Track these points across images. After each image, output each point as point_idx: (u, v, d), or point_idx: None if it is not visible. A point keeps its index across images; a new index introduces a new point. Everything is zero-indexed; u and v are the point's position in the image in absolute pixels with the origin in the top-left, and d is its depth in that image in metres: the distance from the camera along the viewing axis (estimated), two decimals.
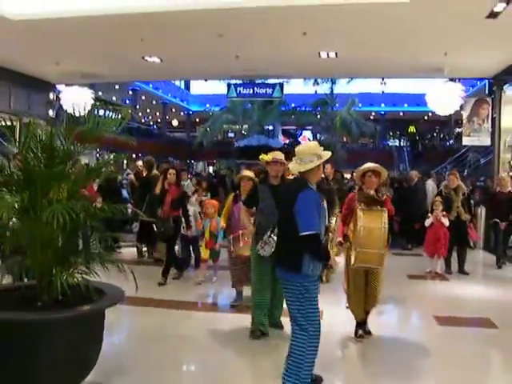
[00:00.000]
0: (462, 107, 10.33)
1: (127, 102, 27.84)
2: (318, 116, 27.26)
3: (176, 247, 7.34)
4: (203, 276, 6.79)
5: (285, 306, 3.73)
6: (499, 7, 6.24)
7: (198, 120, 33.68)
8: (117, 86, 22.62)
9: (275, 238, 3.48)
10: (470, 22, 6.85)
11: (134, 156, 19.84)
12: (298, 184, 3.46)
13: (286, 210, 3.41)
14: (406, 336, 4.89)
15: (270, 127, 29.43)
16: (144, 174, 8.81)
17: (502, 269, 8.20)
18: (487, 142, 10.77)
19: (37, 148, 3.20)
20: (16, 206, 3.06)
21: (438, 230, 7.53)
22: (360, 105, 27.27)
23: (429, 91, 9.90)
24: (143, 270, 6.46)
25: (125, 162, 14.39)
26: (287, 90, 13.99)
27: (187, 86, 32.87)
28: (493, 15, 6.50)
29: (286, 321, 4.10)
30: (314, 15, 6.86)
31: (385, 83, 28.63)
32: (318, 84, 25.73)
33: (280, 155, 4.64)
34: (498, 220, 8.36)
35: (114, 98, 25.98)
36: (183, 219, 6.81)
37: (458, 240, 7.72)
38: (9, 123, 3.60)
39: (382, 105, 31.63)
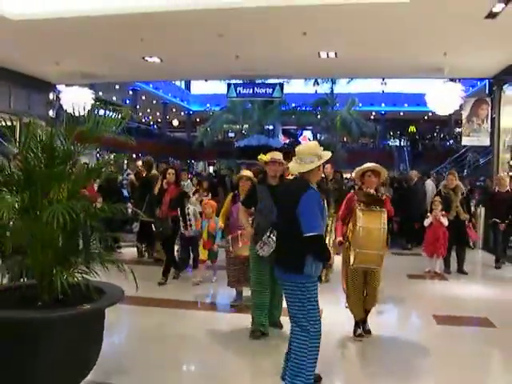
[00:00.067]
0: (461, 107, 10.35)
1: (127, 102, 27.84)
2: (319, 116, 27.26)
3: (176, 247, 7.36)
4: (201, 276, 6.79)
5: (284, 305, 3.75)
6: (498, 7, 6.26)
7: (198, 120, 33.69)
8: (117, 86, 22.62)
9: (274, 238, 3.48)
10: (469, 22, 6.86)
11: (134, 156, 19.86)
12: (299, 185, 3.44)
13: (287, 210, 3.39)
14: (405, 335, 4.90)
15: (271, 127, 29.42)
16: (144, 174, 8.83)
17: (502, 269, 8.22)
18: (486, 142, 10.78)
19: (37, 148, 3.21)
20: (16, 205, 3.07)
21: (437, 230, 7.55)
22: (360, 105, 27.28)
23: (429, 91, 9.91)
24: (143, 270, 6.47)
25: (125, 162, 14.40)
26: (287, 89, 14.01)
27: (187, 86, 32.88)
28: (492, 15, 6.52)
29: (285, 320, 4.11)
30: (313, 15, 6.87)
31: (385, 83, 28.63)
32: (318, 84, 25.74)
33: (278, 155, 4.64)
34: (497, 220, 8.38)
35: (114, 98, 25.98)
36: (181, 219, 6.82)
37: (456, 240, 7.74)
38: (9, 123, 3.61)
39: (383, 104, 31.64)
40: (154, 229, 7.05)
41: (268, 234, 3.51)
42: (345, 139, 31.92)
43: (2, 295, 3.17)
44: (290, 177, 4.49)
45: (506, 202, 8.27)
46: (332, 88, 25.83)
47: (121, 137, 3.63)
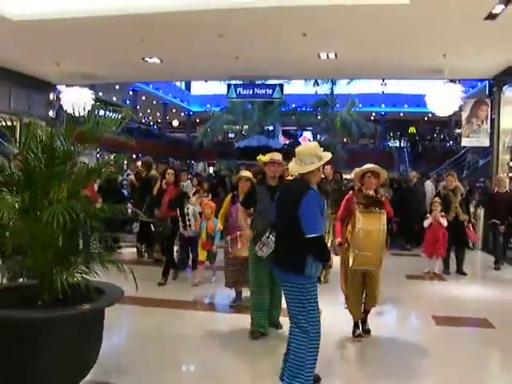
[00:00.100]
0: (461, 108, 10.36)
1: (127, 102, 27.85)
2: (319, 117, 27.29)
3: (175, 247, 7.36)
4: (200, 277, 6.78)
5: (283, 306, 3.75)
6: (498, 9, 6.28)
7: (198, 120, 33.71)
8: (117, 87, 22.64)
9: (273, 238, 3.49)
10: (469, 23, 6.88)
11: (134, 156, 19.85)
12: (300, 186, 3.43)
13: (287, 211, 3.37)
14: (404, 336, 4.91)
15: (271, 128, 29.43)
16: (144, 175, 8.84)
17: (501, 270, 8.22)
18: (486, 143, 10.79)
19: (37, 148, 3.22)
20: (16, 206, 3.08)
21: (436, 231, 7.56)
22: (360, 105, 27.31)
23: (428, 92, 9.93)
24: (143, 270, 6.47)
25: (125, 162, 14.41)
26: (288, 90, 14.02)
27: (188, 87, 32.90)
28: (491, 17, 6.54)
29: (284, 320, 4.12)
30: (313, 16, 6.88)
31: (385, 84, 28.65)
32: (318, 85, 25.76)
33: (278, 156, 4.65)
34: (496, 221, 8.38)
35: (114, 99, 26.00)
36: (180, 219, 6.82)
37: (456, 240, 7.75)
38: (9, 123, 3.62)
39: (383, 105, 31.66)
40: (153, 229, 7.05)
41: (267, 234, 3.51)
42: (345, 140, 31.94)
43: (2, 295, 3.18)
44: (290, 177, 4.48)
45: (505, 202, 8.28)
46: (332, 89, 25.87)
47: (121, 137, 3.64)
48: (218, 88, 20.09)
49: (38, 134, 3.26)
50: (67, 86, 11.23)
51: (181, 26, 7.43)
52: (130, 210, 8.03)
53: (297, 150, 3.52)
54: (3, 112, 8.68)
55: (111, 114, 3.70)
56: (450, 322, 5.28)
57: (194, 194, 8.67)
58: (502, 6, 6.20)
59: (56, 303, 2.98)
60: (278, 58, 9.34)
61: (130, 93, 26.32)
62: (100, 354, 3.27)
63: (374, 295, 4.67)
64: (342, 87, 25.39)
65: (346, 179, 9.20)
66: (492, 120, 10.51)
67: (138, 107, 27.75)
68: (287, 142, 31.37)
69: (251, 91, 11.39)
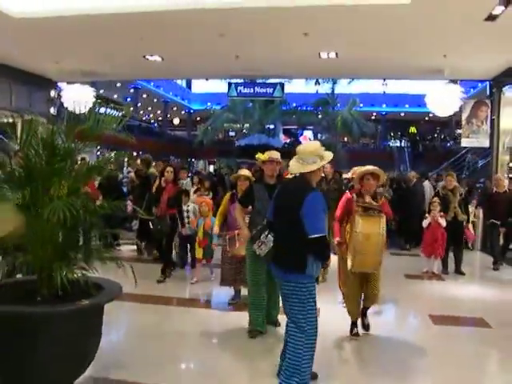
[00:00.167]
0: (461, 109, 10.38)
1: (128, 100, 27.86)
2: (319, 116, 27.26)
3: (174, 245, 7.38)
4: (199, 275, 6.79)
5: (281, 304, 3.77)
6: (498, 10, 6.29)
7: (199, 118, 33.72)
8: (118, 84, 22.64)
9: (272, 237, 3.49)
10: (469, 24, 6.89)
11: (135, 154, 19.87)
12: (302, 185, 3.40)
13: (288, 210, 3.34)
14: (402, 335, 4.93)
15: (271, 126, 29.42)
16: (143, 172, 8.85)
17: (499, 270, 8.22)
18: (486, 143, 10.80)
19: (38, 145, 3.24)
20: (17, 202, 3.11)
21: (435, 231, 7.58)
22: (361, 105, 27.31)
23: (428, 92, 9.95)
24: (142, 268, 6.48)
25: (126, 160, 14.42)
26: (288, 89, 14.02)
27: (188, 85, 32.90)
28: (491, 18, 6.55)
29: (282, 318, 4.14)
30: (314, 16, 6.90)
31: (386, 84, 28.66)
32: (319, 84, 25.75)
33: (276, 154, 4.65)
34: (495, 221, 8.39)
35: (115, 96, 26.00)
36: (178, 217, 6.83)
37: (454, 240, 7.77)
38: (10, 120, 3.64)
39: (384, 105, 31.66)
40: (151, 227, 7.06)
41: (266, 233, 3.51)
42: (345, 139, 31.95)
43: (2, 290, 3.21)
44: (289, 176, 4.48)
45: (504, 202, 8.28)
46: (333, 88, 25.85)
47: (121, 135, 3.66)
48: (219, 86, 20.10)
49: (38, 131, 3.28)
50: (68, 83, 11.25)
51: (181, 24, 7.44)
52: (129, 208, 8.05)
53: (298, 148, 3.50)
54: (4, 109, 8.71)
55: (112, 111, 3.72)
56: (448, 322, 5.30)
57: (194, 192, 8.70)
58: (502, 8, 6.21)
59: (55, 299, 3.01)
60: (279, 58, 9.36)
61: (131, 90, 26.32)
62: (99, 350, 3.30)
63: (373, 294, 4.68)
64: (343, 87, 25.38)
65: (345, 179, 9.22)
66: (492, 121, 10.53)
67: (138, 105, 27.76)
68: (288, 140, 31.39)
69: (252, 90, 11.41)
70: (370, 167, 4.63)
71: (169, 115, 31.78)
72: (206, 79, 18.35)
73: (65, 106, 10.64)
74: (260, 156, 4.68)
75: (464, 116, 10.82)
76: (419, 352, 4.42)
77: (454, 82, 10.11)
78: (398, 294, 6.25)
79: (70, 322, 2.96)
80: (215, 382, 3.72)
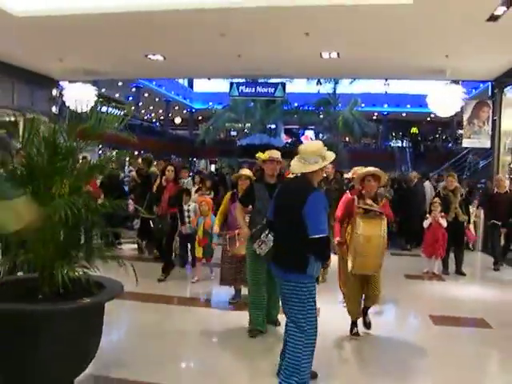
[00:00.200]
0: (462, 109, 10.38)
1: (130, 98, 27.89)
2: (321, 115, 27.26)
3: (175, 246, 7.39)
4: (199, 275, 6.80)
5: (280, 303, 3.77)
6: (499, 10, 6.29)
7: (200, 118, 33.75)
8: (120, 83, 22.68)
9: (272, 236, 3.49)
10: (471, 24, 6.89)
11: (136, 153, 19.89)
12: (304, 185, 3.38)
13: (289, 210, 3.32)
14: (402, 335, 4.93)
15: (273, 126, 29.43)
16: (144, 171, 8.86)
17: (500, 271, 8.22)
18: (487, 144, 10.79)
19: (40, 144, 3.25)
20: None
21: (436, 231, 7.59)
22: (363, 105, 27.28)
23: (430, 93, 9.95)
24: (143, 267, 6.47)
25: (127, 159, 14.44)
26: (290, 89, 14.04)
27: (190, 84, 32.92)
28: (493, 18, 6.55)
29: (282, 317, 4.15)
30: (316, 15, 6.90)
31: (388, 84, 28.64)
32: (320, 84, 25.75)
33: (277, 154, 4.65)
34: (496, 222, 8.38)
35: (117, 95, 26.04)
36: (179, 216, 6.83)
37: (455, 241, 7.77)
38: (12, 119, 3.65)
39: (385, 105, 31.63)
40: (152, 226, 7.06)
41: (267, 232, 3.51)
42: (347, 139, 31.94)
43: (3, 288, 3.23)
44: (291, 175, 4.48)
45: (505, 203, 8.27)
46: (335, 88, 25.85)
47: (123, 134, 3.66)
48: (221, 86, 20.14)
49: (41, 130, 3.29)
50: (70, 82, 11.27)
51: (183, 24, 7.45)
52: (131, 207, 8.06)
53: (301, 148, 3.48)
54: (7, 107, 8.73)
55: (114, 110, 3.72)
56: (448, 322, 5.30)
57: (196, 192, 8.71)
58: (504, 8, 6.21)
59: (57, 297, 3.02)
60: (280, 57, 9.37)
61: (133, 89, 26.35)
62: (100, 348, 3.31)
63: (374, 295, 4.68)
64: (345, 86, 25.38)
65: (346, 179, 9.22)
66: (493, 121, 10.52)
67: (140, 104, 27.79)
68: (289, 140, 31.39)
69: (253, 89, 11.42)
70: (370, 169, 4.62)
71: (170, 114, 31.80)
72: (208, 78, 18.38)
73: (66, 104, 10.66)
74: (260, 155, 4.68)
75: (465, 116, 10.82)
76: (419, 352, 4.42)
77: (455, 82, 10.11)
78: (398, 294, 6.25)
79: (72, 320, 2.98)
80: (215, 380, 3.73)
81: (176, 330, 4.84)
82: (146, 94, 28.03)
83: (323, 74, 16.85)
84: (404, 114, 31.95)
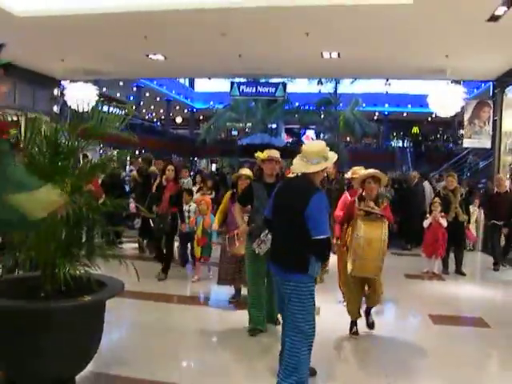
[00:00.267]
0: (463, 109, 10.38)
1: (131, 98, 27.90)
2: (322, 115, 27.25)
3: (176, 244, 7.41)
4: (200, 274, 6.81)
5: None
6: (500, 10, 6.30)
7: (201, 117, 33.75)
8: (121, 83, 22.68)
9: (270, 236, 3.49)
10: (471, 24, 6.91)
11: (137, 152, 19.93)
12: (306, 185, 3.37)
13: (290, 210, 3.31)
14: (402, 334, 4.95)
15: (274, 125, 29.44)
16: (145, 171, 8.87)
17: (500, 271, 8.23)
18: (488, 144, 10.79)
19: (42, 144, 3.27)
20: None
21: (436, 231, 7.60)
22: (364, 105, 27.25)
23: (431, 93, 9.96)
24: (144, 266, 6.50)
25: (128, 158, 14.47)
26: (291, 88, 14.05)
27: (191, 84, 32.92)
28: (494, 18, 6.56)
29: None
30: (315, 15, 6.92)
31: (389, 84, 28.58)
32: (321, 83, 25.74)
33: (275, 153, 4.66)
34: (496, 222, 8.39)
35: (118, 95, 26.05)
36: (179, 215, 6.83)
37: (455, 241, 7.78)
38: (14, 118, 3.67)
39: (386, 105, 31.57)
40: (152, 225, 7.06)
41: (266, 232, 3.51)
42: (348, 139, 31.93)
43: (5, 286, 3.26)
44: (291, 175, 4.48)
45: (505, 203, 8.27)
46: (336, 88, 25.84)
47: (124, 133, 3.68)
48: (222, 85, 20.15)
49: (42, 130, 3.31)
50: (71, 81, 11.30)
51: (184, 24, 7.48)
52: (132, 206, 8.08)
53: (303, 147, 3.48)
54: (8, 107, 8.75)
55: (115, 110, 3.74)
56: (448, 321, 5.33)
57: (197, 191, 8.74)
58: (505, 8, 6.22)
59: (59, 295, 3.05)
60: (280, 57, 9.39)
61: (134, 89, 26.36)
62: (101, 346, 3.34)
63: (376, 295, 4.70)
64: (346, 86, 25.35)
65: (346, 179, 9.25)
66: (494, 121, 10.52)
67: (141, 103, 27.80)
68: (290, 140, 31.38)
69: (254, 89, 11.45)
70: (371, 171, 4.62)
71: (171, 114, 31.80)
72: (209, 78, 18.37)
73: (68, 104, 10.68)
74: (259, 155, 4.68)
75: (466, 117, 10.82)
76: (419, 351, 4.44)
77: (457, 82, 10.12)
78: (398, 293, 6.26)
79: (73, 318, 3.00)
80: (215, 379, 3.75)
81: (176, 328, 4.86)
82: (147, 94, 28.02)
83: (324, 74, 16.86)
84: (405, 114, 31.89)
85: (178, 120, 32.33)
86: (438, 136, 36.58)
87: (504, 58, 8.73)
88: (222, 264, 5.75)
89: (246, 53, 9.05)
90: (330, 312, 5.26)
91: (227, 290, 5.98)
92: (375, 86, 28.15)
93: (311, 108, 26.70)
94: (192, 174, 13.60)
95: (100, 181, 8.44)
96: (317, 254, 3.27)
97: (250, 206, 4.75)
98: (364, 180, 4.59)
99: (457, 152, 22.57)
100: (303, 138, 30.41)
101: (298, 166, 3.42)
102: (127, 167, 14.54)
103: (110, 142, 4.64)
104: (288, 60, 9.56)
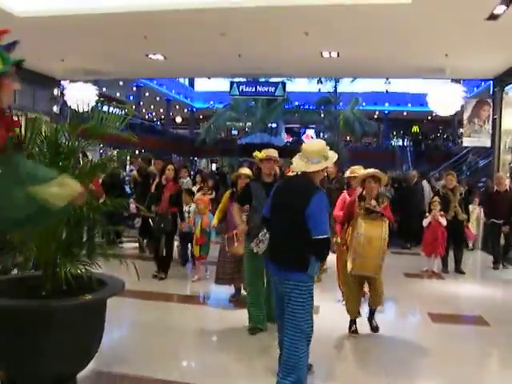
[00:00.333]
0: (462, 108, 10.39)
1: (131, 98, 27.91)
2: (322, 114, 27.26)
3: (176, 243, 7.42)
4: (200, 274, 6.82)
5: None
6: (499, 9, 6.32)
7: (201, 117, 33.75)
8: (121, 83, 22.70)
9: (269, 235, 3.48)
10: (470, 23, 6.92)
11: (137, 152, 19.93)
12: (306, 184, 3.36)
13: (289, 209, 3.30)
14: (401, 333, 4.96)
15: (274, 125, 29.45)
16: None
17: (500, 270, 8.24)
18: (487, 143, 10.80)
19: (42, 144, 3.29)
20: None
21: (435, 230, 7.62)
22: (364, 104, 27.27)
23: (430, 92, 9.97)
24: (144, 265, 6.52)
25: (128, 158, 14.46)
26: (291, 88, 14.04)
27: (191, 83, 32.93)
28: (493, 17, 6.57)
29: None
30: (314, 15, 6.93)
31: (389, 82, 28.59)
32: (321, 83, 25.75)
33: (273, 152, 4.66)
34: (495, 220, 8.41)
35: (118, 94, 26.07)
36: (179, 215, 6.83)
37: (454, 239, 7.80)
38: (15, 119, 3.68)
39: (386, 104, 31.57)
40: (152, 225, 7.07)
41: (265, 231, 3.51)
42: (348, 138, 31.93)
43: (6, 286, 3.27)
44: (291, 174, 4.48)
45: (505, 201, 8.28)
46: (335, 87, 25.86)
47: (124, 133, 3.69)
48: (222, 85, 20.14)
49: (42, 130, 3.32)
50: (71, 81, 11.31)
51: (183, 24, 7.48)
52: (132, 206, 8.09)
53: (303, 146, 3.48)
54: (9, 107, 8.75)
55: (115, 109, 3.75)
56: (447, 320, 5.34)
57: (198, 191, 8.75)
58: (504, 7, 6.23)
59: (60, 293, 3.06)
60: (280, 57, 9.39)
61: (134, 89, 26.37)
62: (102, 345, 3.35)
63: (378, 295, 4.70)
64: (346, 85, 25.40)
65: (345, 178, 9.26)
66: (494, 120, 10.53)
67: (141, 103, 27.81)
68: (290, 139, 31.39)
69: (254, 89, 11.46)
70: (370, 170, 4.62)
71: (171, 113, 31.81)
72: (208, 78, 18.37)
73: (68, 104, 10.69)
74: (257, 154, 4.69)
75: (466, 115, 10.82)
76: (418, 350, 4.45)
77: (456, 81, 10.12)
78: (397, 292, 6.26)
79: (74, 316, 3.02)
80: (215, 378, 3.76)
81: (177, 327, 4.87)
82: (147, 93, 28.03)
83: (323, 74, 16.88)
84: (405, 113, 31.90)
85: (178, 120, 32.34)
86: (438, 135, 36.58)
87: (503, 56, 8.74)
88: (220, 263, 5.76)
89: (245, 53, 9.07)
90: (330, 311, 5.28)
91: (227, 290, 5.99)
92: (375, 85, 28.16)
93: (311, 107, 26.70)
94: (192, 173, 13.61)
95: (100, 181, 8.46)
96: (317, 253, 3.28)
97: (248, 206, 4.75)
98: (364, 179, 4.60)
99: (456, 151, 22.56)
100: (303, 138, 30.40)
101: (298, 165, 3.42)
102: (127, 167, 14.54)
103: (110, 141, 4.65)
104: (288, 60, 9.56)
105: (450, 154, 23.96)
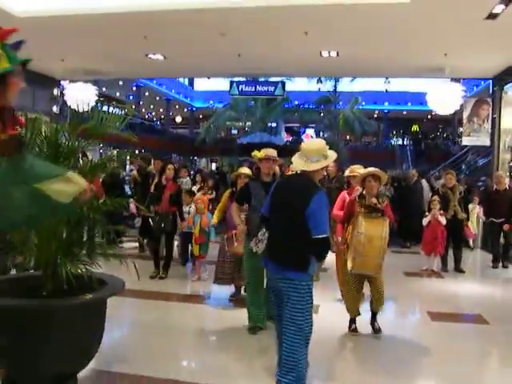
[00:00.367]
0: (462, 107, 10.40)
1: (131, 97, 27.91)
2: (321, 114, 27.26)
3: (176, 243, 7.43)
4: (200, 273, 6.82)
5: None
6: (498, 8, 6.33)
7: (201, 116, 33.76)
8: (120, 82, 22.69)
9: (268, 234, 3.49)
10: (469, 23, 6.93)
11: (137, 152, 19.93)
12: (307, 183, 3.35)
13: (291, 208, 3.28)
14: (401, 331, 4.98)
15: (274, 124, 29.45)
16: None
17: (499, 268, 8.26)
18: (487, 142, 10.81)
19: (42, 144, 3.29)
20: None
21: (435, 229, 7.63)
22: (363, 103, 27.27)
23: (429, 91, 9.98)
24: (144, 265, 6.55)
25: (128, 157, 14.47)
26: (291, 87, 14.03)
27: (191, 83, 32.93)
28: (492, 16, 6.59)
29: None
30: (313, 15, 6.94)
31: (389, 81, 28.58)
32: (321, 82, 25.75)
33: (272, 152, 4.67)
34: (494, 219, 8.41)
35: (117, 94, 26.07)
36: (178, 214, 6.84)
37: (454, 238, 7.81)
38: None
39: (386, 103, 31.57)
40: (151, 224, 7.07)
41: (264, 230, 3.51)
42: (348, 137, 31.93)
43: (7, 285, 3.28)
44: (290, 173, 4.46)
45: (505, 200, 8.29)
46: (335, 86, 25.86)
47: (124, 133, 3.69)
48: (221, 84, 20.15)
49: (42, 130, 3.32)
50: (71, 81, 11.31)
51: (183, 24, 7.49)
52: (132, 206, 8.09)
53: (303, 145, 3.47)
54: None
55: (114, 109, 3.75)
56: (446, 318, 5.35)
57: (198, 191, 8.77)
58: (503, 6, 6.25)
59: (60, 293, 3.07)
60: (280, 57, 9.40)
61: (134, 88, 26.37)
62: (102, 344, 3.36)
63: (379, 296, 4.70)
64: (345, 85, 25.40)
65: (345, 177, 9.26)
66: (493, 119, 10.54)
67: (141, 103, 27.81)
68: (290, 138, 31.38)
69: (253, 88, 11.46)
70: (370, 169, 4.63)
71: (171, 113, 31.80)
72: (208, 78, 18.36)
73: (68, 104, 10.69)
74: (256, 153, 4.70)
75: (465, 114, 10.83)
76: (418, 348, 4.46)
77: (456, 80, 10.13)
78: (397, 291, 6.26)
79: (74, 316, 3.03)
80: (215, 377, 3.76)
81: (177, 326, 4.88)
82: (147, 93, 28.03)
83: (323, 73, 16.88)
84: (405, 112, 31.90)
85: (178, 119, 32.34)
86: (438, 134, 36.58)
87: (502, 55, 8.75)
88: (220, 263, 5.77)
89: (245, 52, 9.07)
90: (329, 310, 5.29)
91: (227, 289, 6.00)
92: (375, 84, 28.13)
93: (311, 106, 26.70)
94: (192, 173, 13.61)
95: (100, 180, 8.47)
96: (316, 253, 3.29)
97: (247, 205, 4.76)
98: (364, 178, 4.61)
99: (455, 151, 22.56)
100: (303, 137, 30.39)
101: (298, 164, 3.41)
102: (127, 167, 14.55)
103: (109, 141, 4.66)
104: (287, 59, 9.57)
105: (450, 153, 23.96)
